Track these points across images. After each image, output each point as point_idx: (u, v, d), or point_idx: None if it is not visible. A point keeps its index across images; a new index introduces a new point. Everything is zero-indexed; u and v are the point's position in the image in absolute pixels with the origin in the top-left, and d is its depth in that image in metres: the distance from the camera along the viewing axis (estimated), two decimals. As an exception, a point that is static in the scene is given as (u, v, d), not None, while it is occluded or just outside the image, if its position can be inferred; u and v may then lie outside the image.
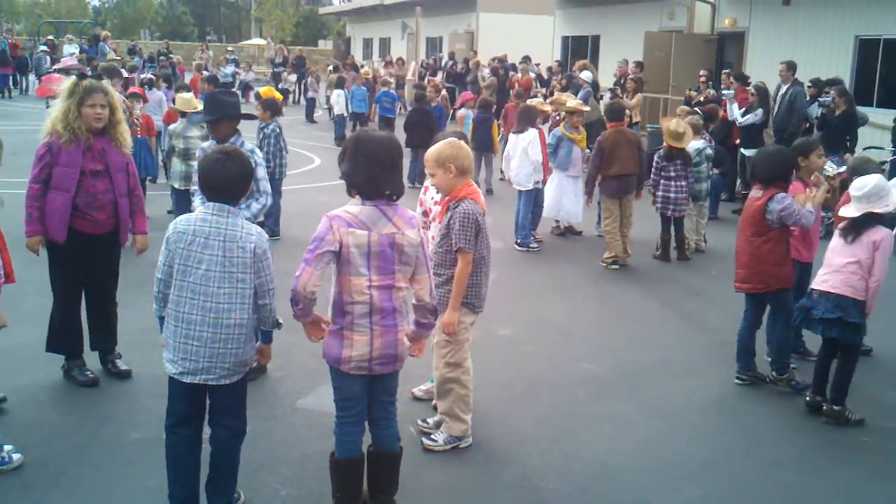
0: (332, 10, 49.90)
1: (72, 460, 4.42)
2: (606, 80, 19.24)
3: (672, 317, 7.47)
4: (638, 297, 8.02)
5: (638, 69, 16.58)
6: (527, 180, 9.41)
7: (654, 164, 9.12)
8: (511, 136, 9.86)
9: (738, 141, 12.28)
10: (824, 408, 5.31)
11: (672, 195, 9.01)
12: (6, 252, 4.57)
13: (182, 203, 8.06)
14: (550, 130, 10.27)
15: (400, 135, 8.69)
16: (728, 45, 19.30)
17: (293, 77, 27.64)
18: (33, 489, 4.13)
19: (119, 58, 21.34)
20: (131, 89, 10.88)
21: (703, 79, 15.27)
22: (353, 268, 3.61)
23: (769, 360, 5.90)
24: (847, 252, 5.20)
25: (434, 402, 4.99)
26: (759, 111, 11.75)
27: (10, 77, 26.78)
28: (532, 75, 20.73)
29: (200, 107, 8.11)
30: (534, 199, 9.55)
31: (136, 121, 9.53)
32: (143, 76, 14.92)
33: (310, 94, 23.35)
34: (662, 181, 9.04)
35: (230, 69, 27.38)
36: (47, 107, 6.28)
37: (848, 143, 11.10)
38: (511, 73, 21.49)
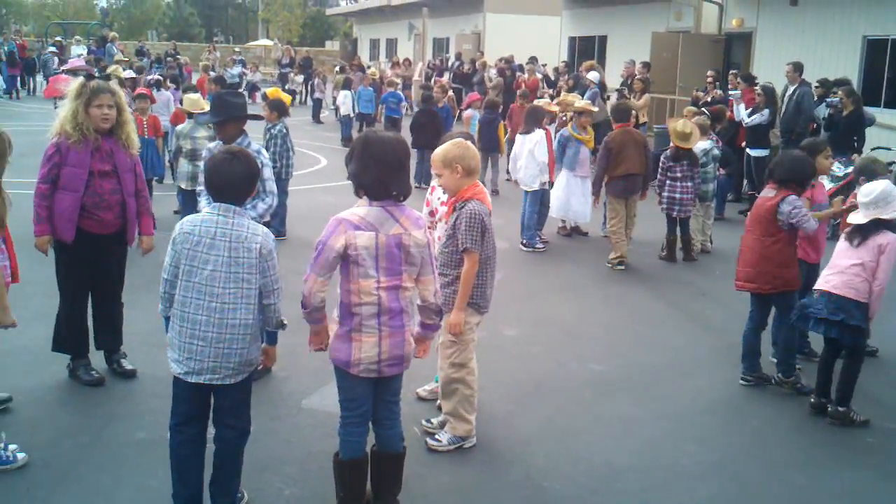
0: (338, 11, 49.91)
1: (76, 459, 4.43)
2: (613, 80, 19.22)
3: (678, 317, 7.46)
4: (644, 297, 8.00)
5: (645, 70, 16.54)
6: (533, 181, 9.40)
7: (660, 164, 9.12)
8: (517, 137, 9.85)
9: (744, 142, 12.25)
10: (829, 409, 5.31)
11: (677, 196, 8.99)
12: (13, 252, 4.59)
13: (189, 203, 8.08)
14: (557, 131, 10.27)
15: (406, 135, 8.68)
16: (735, 46, 19.26)
17: (300, 78, 27.73)
18: (38, 488, 4.14)
19: (126, 59, 21.40)
20: (139, 90, 10.93)
21: (710, 79, 15.25)
22: (361, 270, 3.62)
23: (775, 361, 5.92)
24: (852, 254, 5.20)
25: (438, 402, 4.99)
26: (766, 111, 11.72)
27: (19, 78, 26.91)
28: (539, 76, 20.71)
29: (207, 107, 8.14)
30: (540, 199, 9.55)
31: (144, 121, 9.58)
32: (150, 77, 14.95)
33: (316, 94, 23.39)
34: (668, 182, 9.03)
35: (237, 70, 27.45)
36: (55, 107, 6.31)
37: (855, 144, 11.05)
38: (518, 73, 21.48)
